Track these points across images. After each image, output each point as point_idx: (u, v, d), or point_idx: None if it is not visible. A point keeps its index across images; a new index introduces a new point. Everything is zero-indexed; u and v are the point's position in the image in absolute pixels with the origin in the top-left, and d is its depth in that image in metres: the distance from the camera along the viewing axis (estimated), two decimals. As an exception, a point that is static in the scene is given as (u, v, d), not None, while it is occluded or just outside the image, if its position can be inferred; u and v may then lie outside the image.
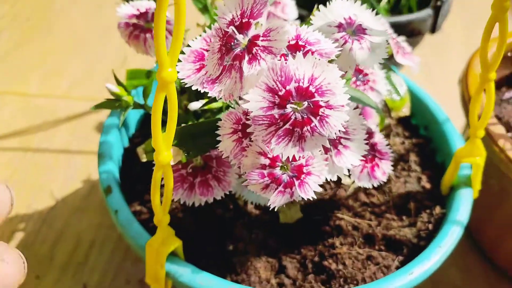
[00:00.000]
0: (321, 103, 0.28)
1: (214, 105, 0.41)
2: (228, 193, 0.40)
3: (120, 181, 0.47)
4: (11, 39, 0.92)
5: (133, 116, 0.55)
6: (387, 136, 0.55)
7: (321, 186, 0.34)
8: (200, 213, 0.45)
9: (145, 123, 0.56)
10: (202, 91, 0.33)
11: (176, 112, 0.29)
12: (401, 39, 0.47)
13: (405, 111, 0.46)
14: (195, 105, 0.41)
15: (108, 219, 0.60)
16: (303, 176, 0.33)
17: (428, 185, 0.50)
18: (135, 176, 0.49)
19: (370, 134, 0.42)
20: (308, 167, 0.34)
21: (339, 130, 0.29)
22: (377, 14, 0.37)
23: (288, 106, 0.28)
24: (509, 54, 0.65)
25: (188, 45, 0.36)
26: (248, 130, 0.29)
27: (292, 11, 0.49)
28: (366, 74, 0.43)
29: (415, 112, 0.56)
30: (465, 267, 0.58)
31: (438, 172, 0.51)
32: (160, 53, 0.26)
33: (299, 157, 0.32)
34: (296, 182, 0.33)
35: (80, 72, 0.86)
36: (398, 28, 0.62)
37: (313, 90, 0.28)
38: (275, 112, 0.29)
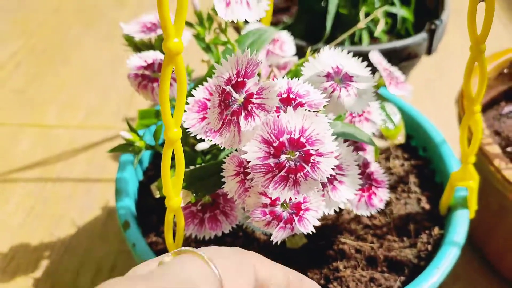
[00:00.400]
0: (312, 152, 0.31)
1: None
2: (235, 226, 0.43)
3: (136, 213, 0.51)
4: (29, 72, 0.96)
5: (146, 151, 0.58)
6: (386, 159, 0.58)
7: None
8: (212, 243, 0.48)
9: (157, 157, 0.59)
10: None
11: (183, 166, 0.32)
12: (394, 69, 0.49)
13: (400, 139, 0.49)
14: (202, 146, 0.44)
15: (127, 246, 0.63)
16: (301, 212, 0.36)
17: (427, 206, 0.53)
18: (150, 208, 0.53)
19: (366, 164, 0.45)
20: (306, 204, 0.37)
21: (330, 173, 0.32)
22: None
23: (282, 156, 0.32)
24: (505, 70, 0.67)
25: (192, 95, 0.39)
26: (248, 177, 0.32)
27: (289, 48, 0.52)
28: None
29: (413, 134, 0.59)
30: (471, 280, 0.60)
31: (437, 192, 0.54)
32: (166, 118, 0.29)
33: (296, 196, 0.35)
34: (296, 218, 0.36)
35: (95, 102, 0.90)
36: (395, 53, 0.65)
37: (304, 141, 0.31)
38: (271, 161, 0.32)
